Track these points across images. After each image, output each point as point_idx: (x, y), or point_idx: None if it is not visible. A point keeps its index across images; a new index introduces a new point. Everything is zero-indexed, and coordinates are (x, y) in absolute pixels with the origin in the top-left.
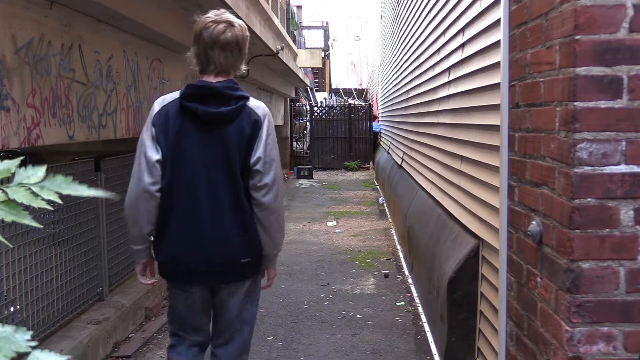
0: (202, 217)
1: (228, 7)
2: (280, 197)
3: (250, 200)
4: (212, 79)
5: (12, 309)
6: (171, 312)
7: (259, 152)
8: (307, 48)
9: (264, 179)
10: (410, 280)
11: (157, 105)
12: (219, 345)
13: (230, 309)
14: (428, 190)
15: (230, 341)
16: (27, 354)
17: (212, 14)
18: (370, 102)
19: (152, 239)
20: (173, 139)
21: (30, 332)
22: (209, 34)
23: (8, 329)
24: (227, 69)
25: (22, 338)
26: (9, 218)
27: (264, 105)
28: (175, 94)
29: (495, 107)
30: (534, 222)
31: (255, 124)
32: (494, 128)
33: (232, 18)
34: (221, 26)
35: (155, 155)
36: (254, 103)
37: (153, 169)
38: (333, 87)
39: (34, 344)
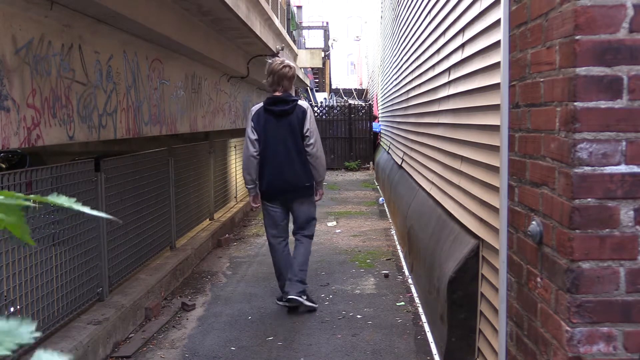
0: (282, 164)
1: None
2: (318, 151)
3: (305, 153)
4: (278, 93)
5: (12, 309)
6: (265, 219)
7: (306, 126)
8: (307, 48)
9: (309, 140)
10: (410, 281)
11: (252, 110)
12: (298, 233)
13: (302, 213)
14: (428, 190)
15: (304, 230)
16: (30, 351)
17: (279, 60)
18: (370, 102)
19: (257, 181)
20: (262, 126)
21: (35, 323)
22: (283, 72)
23: (13, 324)
24: (287, 89)
25: (25, 330)
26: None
27: (307, 103)
28: (260, 104)
29: (495, 107)
30: (534, 222)
31: (304, 113)
32: (494, 128)
33: (292, 63)
34: (287, 68)
35: (253, 136)
36: (301, 102)
37: (254, 143)
38: (333, 87)
39: (37, 334)
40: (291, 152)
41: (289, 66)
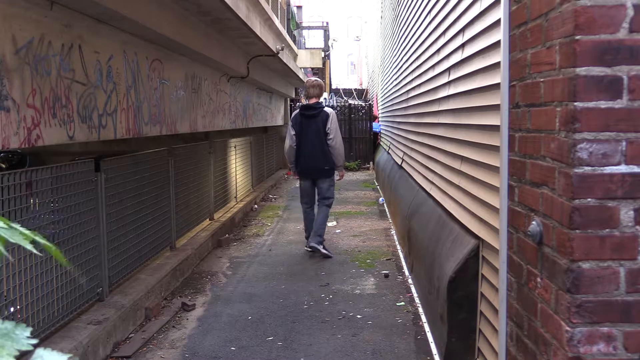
0: (311, 152)
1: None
2: (337, 144)
3: (327, 145)
4: (312, 102)
5: (12, 309)
6: (300, 192)
7: (328, 125)
8: (307, 48)
9: (330, 135)
10: (410, 281)
11: (293, 114)
12: (320, 200)
13: (323, 187)
14: (428, 190)
15: (324, 199)
16: (29, 352)
17: (313, 78)
18: (370, 102)
19: (295, 163)
20: (299, 126)
21: (30, 329)
22: (307, 84)
23: (8, 325)
24: (317, 97)
25: (22, 335)
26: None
27: (331, 109)
28: (297, 110)
29: (495, 107)
30: (534, 222)
31: (327, 116)
32: (494, 128)
33: (314, 79)
34: (310, 81)
35: (293, 132)
36: (327, 109)
37: (293, 138)
38: (333, 87)
39: (34, 341)
40: (316, 144)
41: (311, 80)
